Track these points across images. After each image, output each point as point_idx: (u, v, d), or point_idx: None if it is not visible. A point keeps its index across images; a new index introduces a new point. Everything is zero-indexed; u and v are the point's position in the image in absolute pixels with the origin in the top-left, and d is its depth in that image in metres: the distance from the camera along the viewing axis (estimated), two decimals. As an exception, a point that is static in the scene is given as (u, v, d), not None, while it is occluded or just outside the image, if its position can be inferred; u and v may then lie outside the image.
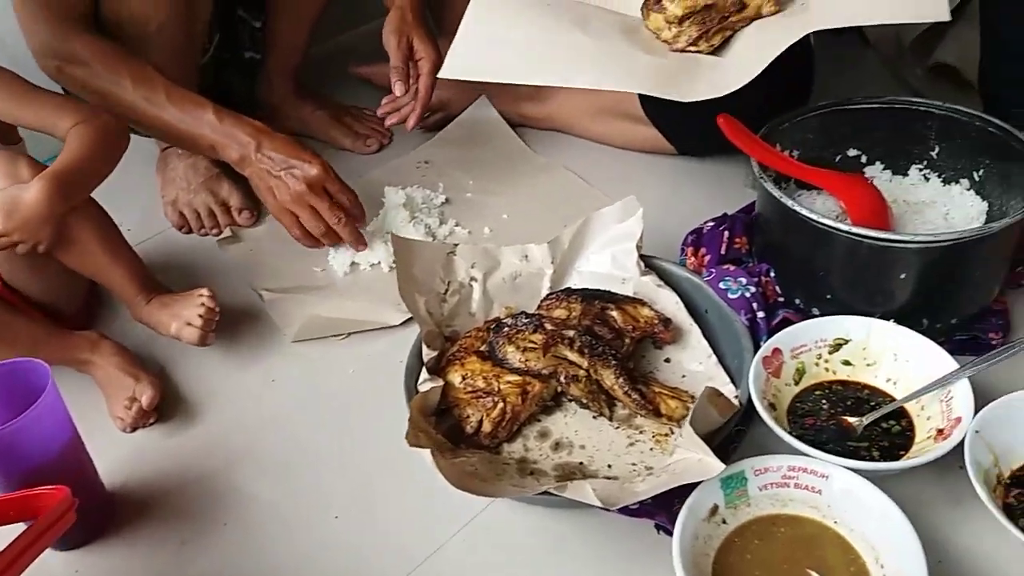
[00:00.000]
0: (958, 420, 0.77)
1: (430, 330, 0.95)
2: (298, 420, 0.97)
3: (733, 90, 0.90)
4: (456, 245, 1.03)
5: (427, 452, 0.73)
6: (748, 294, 0.94)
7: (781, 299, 0.97)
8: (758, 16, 1.01)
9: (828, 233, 0.85)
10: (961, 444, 0.75)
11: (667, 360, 0.95)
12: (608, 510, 0.72)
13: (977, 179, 0.99)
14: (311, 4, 1.35)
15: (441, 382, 0.89)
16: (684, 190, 1.25)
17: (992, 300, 0.94)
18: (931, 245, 0.83)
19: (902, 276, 0.86)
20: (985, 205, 0.97)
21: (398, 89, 1.23)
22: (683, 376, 0.93)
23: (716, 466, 0.71)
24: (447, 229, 1.22)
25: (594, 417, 0.90)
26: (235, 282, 1.16)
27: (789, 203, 0.88)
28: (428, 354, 0.92)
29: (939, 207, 0.99)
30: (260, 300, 1.13)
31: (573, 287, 0.99)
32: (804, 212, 0.86)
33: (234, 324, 1.09)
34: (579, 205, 1.23)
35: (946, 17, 0.87)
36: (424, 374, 0.90)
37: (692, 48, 1.00)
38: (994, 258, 0.89)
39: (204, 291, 1.02)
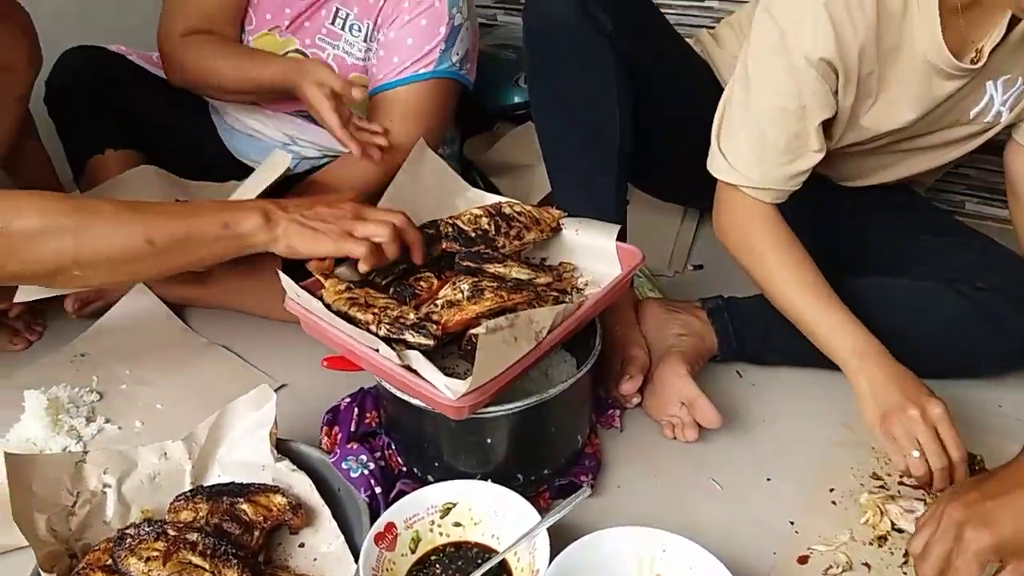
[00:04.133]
0: (537, 572, 0.88)
1: (49, 551, 0.93)
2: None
3: None
4: (86, 452, 1.02)
5: None
6: (367, 471, 1.01)
7: (404, 469, 1.05)
8: None
9: (421, 410, 0.95)
10: (542, 594, 0.85)
11: (301, 545, 1.00)
12: None
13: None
14: None
15: (59, 608, 0.87)
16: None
17: (583, 446, 1.08)
18: (503, 413, 0.95)
19: (489, 441, 0.97)
20: (575, 360, 1.12)
21: None
22: (315, 560, 0.98)
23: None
24: (95, 428, 1.21)
25: (224, 616, 0.91)
26: None
27: (384, 384, 0.97)
28: (48, 578, 0.90)
29: (541, 367, 1.13)
30: None
31: (203, 485, 1.01)
32: (396, 392, 0.96)
33: None
34: (234, 387, 1.26)
35: None
36: (39, 603, 0.88)
37: None
38: (564, 416, 1.02)
39: None
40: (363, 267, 0.98)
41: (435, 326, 0.92)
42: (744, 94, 1.07)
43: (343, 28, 1.40)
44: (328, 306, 0.97)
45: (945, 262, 1.15)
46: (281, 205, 1.01)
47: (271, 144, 1.50)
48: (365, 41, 1.39)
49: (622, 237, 1.13)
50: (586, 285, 1.10)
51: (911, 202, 1.30)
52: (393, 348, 0.90)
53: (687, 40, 1.39)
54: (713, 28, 1.58)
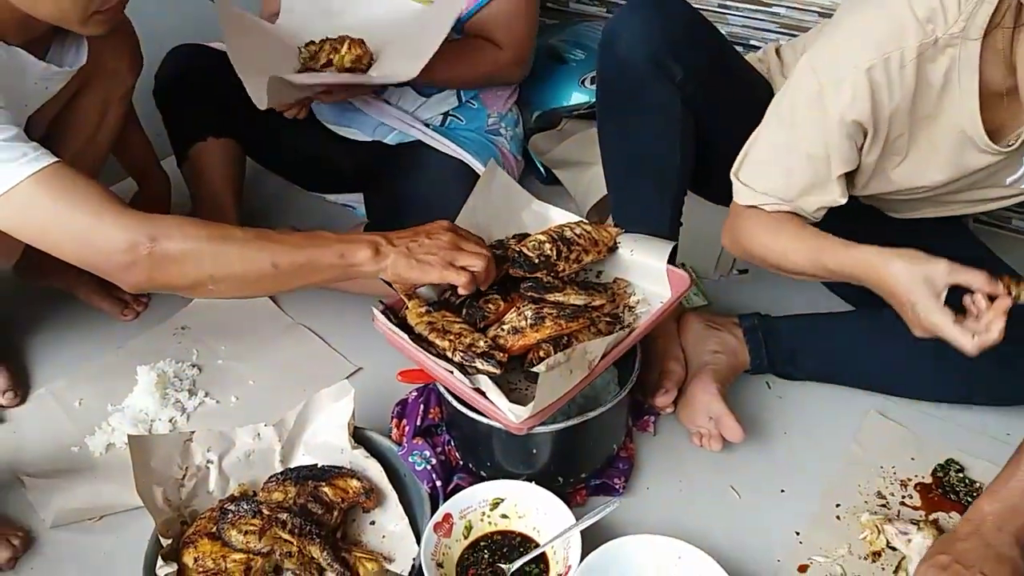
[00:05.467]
0: (570, 567, 1.03)
1: (166, 519, 1.12)
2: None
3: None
4: (193, 432, 1.21)
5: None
6: (430, 466, 1.17)
7: (460, 463, 1.21)
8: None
9: (474, 420, 1.10)
10: (572, 587, 1.01)
11: (372, 523, 1.17)
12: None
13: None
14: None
15: (175, 566, 1.07)
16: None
17: (618, 450, 1.22)
18: (548, 431, 1.09)
19: (534, 451, 1.12)
20: (616, 371, 1.25)
21: None
22: (383, 536, 1.15)
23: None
24: (197, 401, 1.40)
25: (308, 583, 1.10)
26: (0, 468, 1.28)
27: (446, 395, 1.13)
28: (165, 541, 1.10)
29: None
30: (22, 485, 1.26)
31: (292, 467, 1.19)
32: (455, 404, 1.11)
33: (-1, 512, 1.22)
34: (316, 368, 1.44)
35: None
36: (160, 561, 1.07)
37: None
38: (602, 430, 1.16)
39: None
40: (463, 292, 1.11)
41: (501, 353, 1.06)
42: (775, 135, 1.12)
43: None
44: (411, 326, 1.12)
45: None
46: (388, 237, 1.11)
47: (357, 109, 1.67)
48: None
49: (674, 252, 1.24)
50: (637, 303, 1.21)
51: (953, 234, 1.34)
52: (466, 372, 1.05)
53: (753, 54, 1.43)
54: (778, 39, 1.63)
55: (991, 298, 0.97)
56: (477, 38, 1.59)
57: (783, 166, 1.11)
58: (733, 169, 1.16)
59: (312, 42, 1.53)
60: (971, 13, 0.95)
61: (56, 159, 1.07)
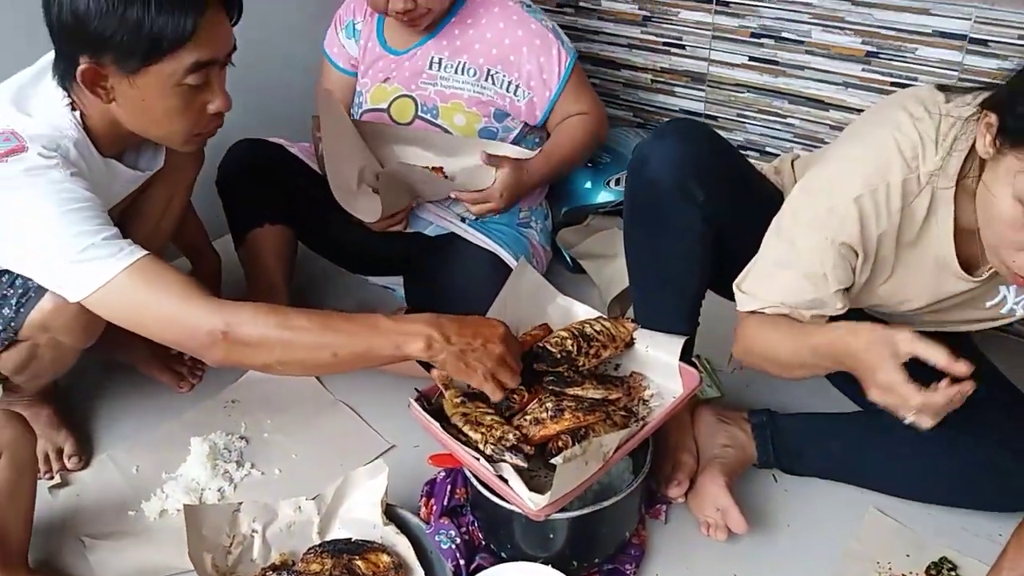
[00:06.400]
0: (580, 648, 1.12)
1: (214, 585, 1.23)
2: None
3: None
4: (240, 503, 1.32)
5: None
6: (454, 545, 1.27)
7: (483, 543, 1.31)
8: None
9: (497, 505, 1.20)
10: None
11: (400, 596, 1.27)
12: None
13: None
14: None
15: (220, 632, 1.17)
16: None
17: (631, 537, 1.31)
18: (564, 518, 1.19)
19: (551, 536, 1.22)
20: (630, 460, 1.35)
21: None
22: (409, 610, 1.25)
23: None
24: (244, 472, 1.51)
25: (340, 649, 1.20)
26: (64, 529, 1.41)
27: (472, 480, 1.23)
28: (213, 607, 1.21)
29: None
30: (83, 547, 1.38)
31: (328, 540, 1.30)
32: (480, 488, 1.22)
33: (62, 570, 1.34)
34: (352, 446, 1.56)
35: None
36: (207, 626, 1.18)
37: None
38: (615, 518, 1.25)
39: None
40: (494, 400, 1.22)
41: (528, 447, 1.16)
42: (777, 252, 1.20)
43: (439, 69, 1.77)
44: (444, 414, 1.24)
45: (970, 414, 1.29)
46: (444, 332, 1.18)
47: None
48: (458, 73, 1.76)
49: (688, 344, 1.34)
50: (651, 397, 1.32)
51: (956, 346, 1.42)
52: (491, 461, 1.15)
53: (770, 164, 1.51)
54: (792, 148, 1.74)
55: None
56: (564, 121, 1.79)
57: (784, 282, 1.19)
58: (736, 281, 1.25)
59: None
60: (944, 159, 1.06)
61: (146, 252, 1.20)
